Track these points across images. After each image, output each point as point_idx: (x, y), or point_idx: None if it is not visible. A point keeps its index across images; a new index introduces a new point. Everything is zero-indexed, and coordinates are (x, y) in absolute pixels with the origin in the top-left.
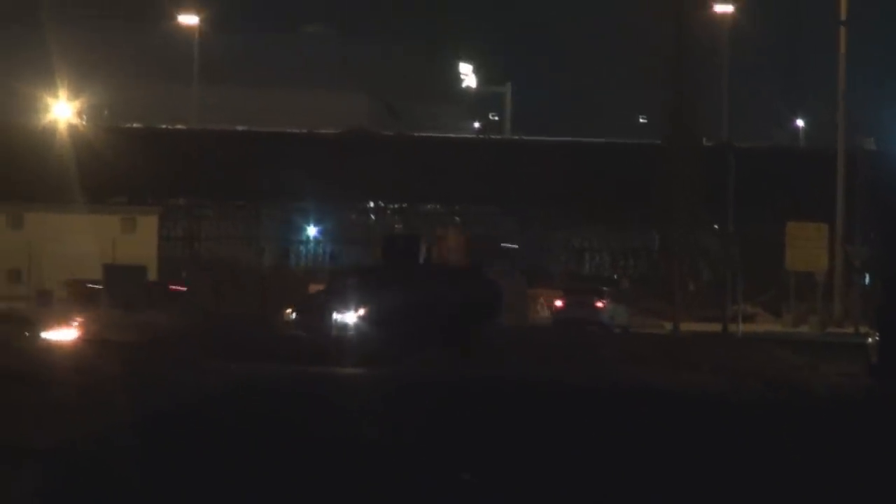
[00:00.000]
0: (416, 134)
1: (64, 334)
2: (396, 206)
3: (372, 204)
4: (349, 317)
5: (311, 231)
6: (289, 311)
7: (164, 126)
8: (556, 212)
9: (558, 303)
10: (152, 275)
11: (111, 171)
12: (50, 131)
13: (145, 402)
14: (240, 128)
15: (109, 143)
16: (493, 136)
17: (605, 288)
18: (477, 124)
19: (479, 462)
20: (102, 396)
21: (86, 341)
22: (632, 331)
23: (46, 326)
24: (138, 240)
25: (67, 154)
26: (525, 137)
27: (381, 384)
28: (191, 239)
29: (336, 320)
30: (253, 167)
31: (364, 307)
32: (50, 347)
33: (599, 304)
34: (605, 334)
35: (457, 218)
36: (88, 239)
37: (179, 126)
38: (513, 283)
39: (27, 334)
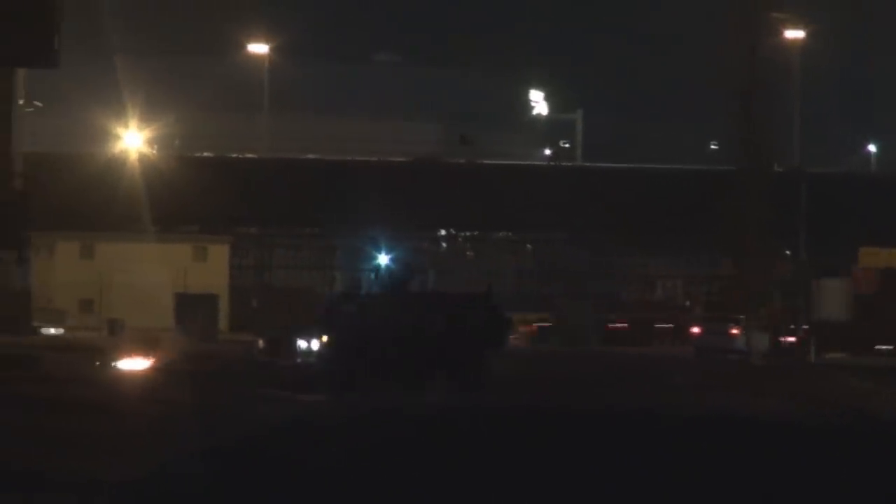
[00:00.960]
0: (486, 161)
1: (136, 364)
2: (467, 233)
3: (443, 232)
4: (314, 344)
5: (383, 259)
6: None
7: (234, 155)
8: (627, 239)
9: (696, 329)
10: (223, 304)
11: (182, 200)
12: (121, 161)
13: (213, 433)
14: (310, 156)
15: (180, 172)
16: (563, 164)
17: (741, 316)
18: (548, 151)
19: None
20: (172, 427)
21: (157, 371)
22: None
23: (118, 356)
24: (209, 269)
25: (138, 183)
26: (596, 164)
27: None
28: (262, 268)
29: (300, 347)
30: (324, 196)
31: (327, 334)
32: (122, 377)
33: (734, 332)
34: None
35: (528, 245)
36: (159, 268)
37: (250, 155)
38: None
39: (98, 363)
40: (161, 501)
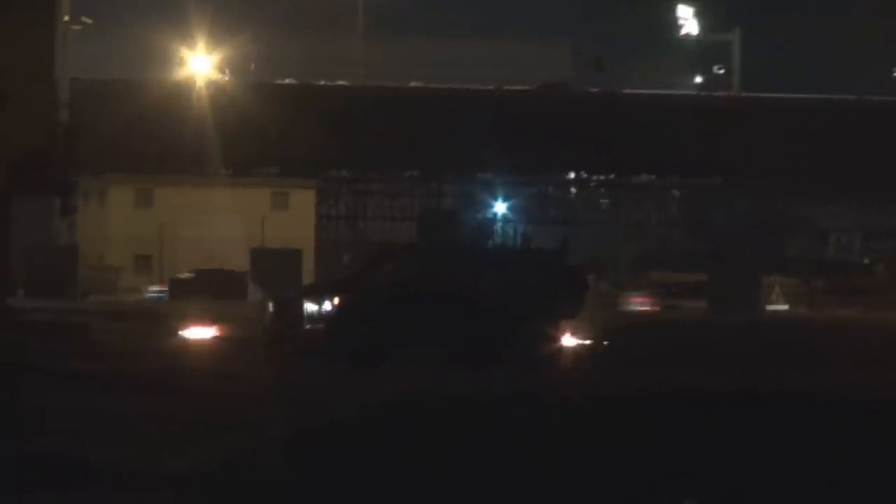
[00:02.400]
0: (626, 91)
1: (202, 332)
2: (603, 177)
3: (573, 175)
4: (326, 306)
5: (500, 208)
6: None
7: (322, 83)
8: (795, 184)
9: None
10: (308, 261)
11: (259, 138)
12: (186, 90)
13: (296, 415)
14: (414, 84)
15: (256, 103)
16: (717, 94)
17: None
18: (699, 79)
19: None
20: (251, 409)
21: (225, 341)
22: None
23: (184, 323)
24: (292, 219)
25: (206, 117)
26: (756, 94)
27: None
28: (355, 218)
29: (307, 311)
30: (429, 132)
31: (340, 295)
32: (188, 349)
33: None
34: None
35: (675, 191)
36: (231, 219)
37: (341, 83)
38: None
39: (160, 332)
40: (239, 498)
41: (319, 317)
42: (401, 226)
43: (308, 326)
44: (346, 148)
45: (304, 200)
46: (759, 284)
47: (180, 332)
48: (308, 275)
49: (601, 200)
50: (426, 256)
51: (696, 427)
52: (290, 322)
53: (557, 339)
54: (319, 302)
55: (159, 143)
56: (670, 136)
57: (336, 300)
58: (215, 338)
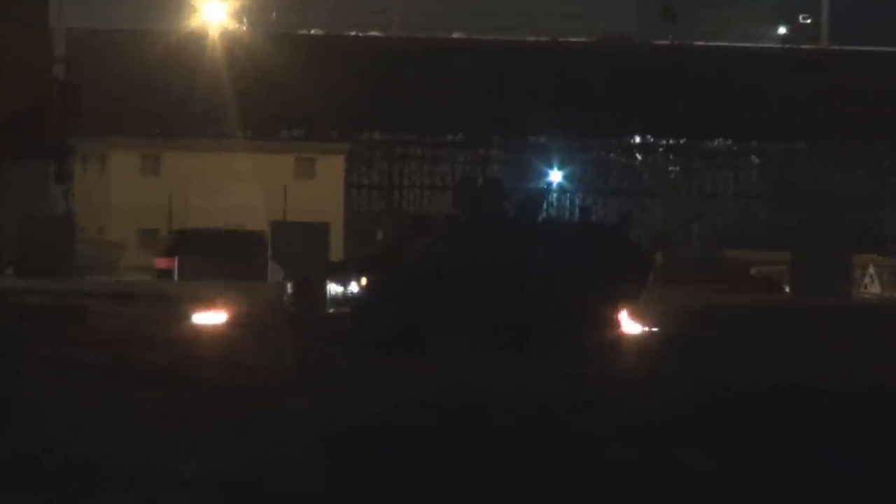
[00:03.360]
0: (699, 43)
1: (215, 317)
2: (672, 141)
3: (638, 139)
4: (352, 287)
5: (555, 176)
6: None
7: (353, 34)
8: (892, 150)
9: None
10: (336, 236)
11: (282, 95)
12: (199, 41)
13: (321, 411)
14: (457, 35)
15: (279, 56)
16: (804, 47)
17: None
18: (782, 30)
19: None
20: (265, 403)
21: (241, 327)
22: None
23: (197, 307)
24: (318, 188)
25: (221, 72)
26: (848, 48)
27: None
28: (390, 188)
29: (330, 292)
30: (475, 90)
31: (368, 275)
32: (199, 336)
33: None
34: None
35: (754, 157)
36: (250, 187)
37: (374, 34)
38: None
39: (168, 317)
40: (259, 501)
41: (345, 299)
42: (441, 196)
43: (332, 310)
44: (380, 108)
45: (332, 167)
46: (850, 264)
47: (191, 317)
48: (336, 252)
49: (670, 168)
50: (466, 230)
51: (773, 424)
52: (312, 305)
53: (618, 325)
54: (345, 282)
55: (168, 102)
56: (748, 96)
57: (363, 280)
58: (229, 323)
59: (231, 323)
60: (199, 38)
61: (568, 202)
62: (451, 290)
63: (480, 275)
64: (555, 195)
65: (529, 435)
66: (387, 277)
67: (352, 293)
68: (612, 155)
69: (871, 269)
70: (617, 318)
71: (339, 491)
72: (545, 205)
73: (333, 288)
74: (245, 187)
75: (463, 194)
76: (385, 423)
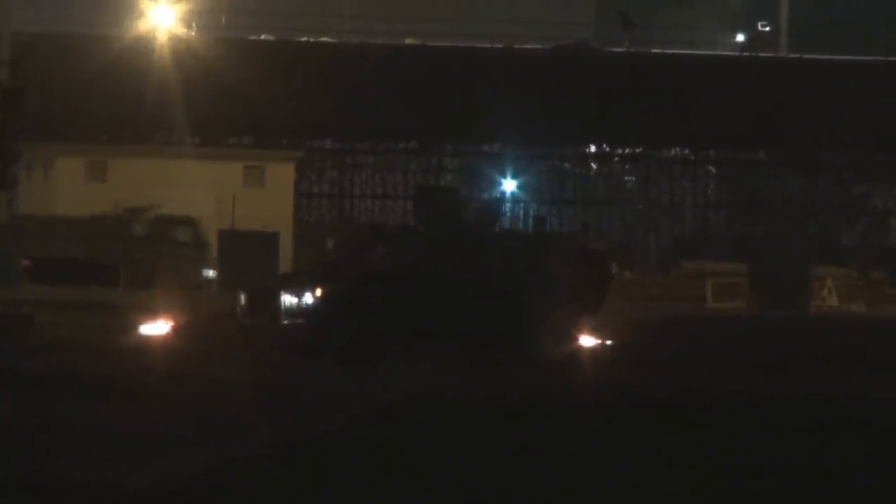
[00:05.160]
0: (656, 51)
1: (160, 327)
2: (628, 150)
3: (593, 148)
4: (307, 298)
5: (509, 185)
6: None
7: (304, 39)
8: (850, 159)
9: None
10: (286, 245)
11: (231, 102)
12: (146, 45)
13: (277, 423)
14: (410, 41)
15: (229, 61)
16: (763, 55)
17: None
18: (740, 38)
19: None
20: (219, 415)
21: (184, 337)
22: None
23: (144, 317)
24: (268, 196)
25: (170, 78)
26: (808, 56)
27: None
28: (341, 196)
29: (285, 303)
30: (427, 97)
31: (321, 286)
32: (147, 346)
33: None
34: None
35: (710, 167)
36: (198, 195)
37: (326, 39)
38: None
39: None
40: None
41: (299, 310)
42: (394, 205)
43: (286, 321)
44: (332, 115)
45: (281, 175)
46: (810, 277)
47: (139, 327)
48: (286, 262)
49: (626, 178)
50: (424, 239)
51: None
52: (266, 316)
53: (575, 338)
54: (299, 293)
55: (115, 107)
56: (707, 104)
57: (318, 291)
58: (176, 333)
59: (178, 332)
60: (147, 42)
61: (521, 212)
62: (409, 300)
63: (438, 284)
64: (508, 205)
65: (485, 442)
66: (343, 287)
67: (306, 304)
68: (566, 164)
69: (829, 283)
70: (576, 331)
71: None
72: (500, 214)
73: (288, 298)
74: (193, 194)
75: (421, 203)
76: (339, 434)
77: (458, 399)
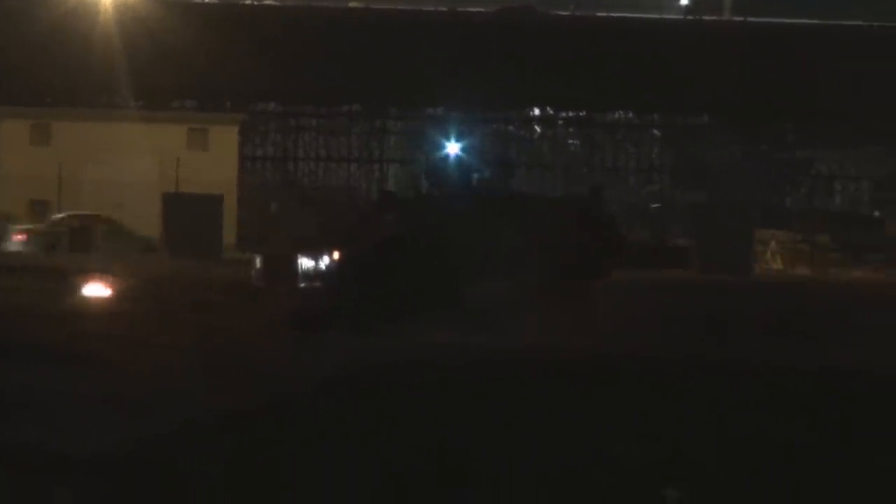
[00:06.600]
0: (600, 14)
1: (101, 290)
2: (572, 114)
3: (537, 111)
4: (323, 262)
5: (453, 149)
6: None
7: (248, 2)
8: (795, 125)
9: None
10: (230, 207)
11: (174, 65)
12: (90, 7)
13: (230, 389)
14: (354, 4)
15: (173, 25)
16: (706, 18)
17: None
18: (684, 1)
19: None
20: (171, 382)
21: (125, 301)
22: None
23: (86, 279)
24: (212, 160)
25: (113, 40)
26: (752, 20)
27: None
28: (285, 159)
29: (302, 267)
30: (372, 60)
31: (339, 249)
32: (90, 310)
33: None
34: None
35: (655, 131)
36: (142, 158)
37: (269, 2)
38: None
39: (58, 290)
40: (159, 484)
41: (316, 274)
42: (337, 168)
43: (303, 284)
44: (275, 78)
45: (225, 138)
46: (751, 241)
47: (82, 290)
48: (230, 225)
49: (570, 141)
50: (437, 206)
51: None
52: (282, 280)
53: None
54: (316, 257)
55: (59, 70)
56: (650, 68)
57: (336, 255)
58: (118, 297)
59: (121, 297)
60: (91, 5)
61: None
62: (424, 267)
63: (452, 249)
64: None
65: (436, 408)
66: (359, 252)
67: (324, 268)
68: (510, 127)
69: (772, 246)
70: (587, 294)
71: (239, 469)
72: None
73: (305, 262)
74: (137, 158)
75: (434, 169)
76: (286, 403)
77: (414, 365)
